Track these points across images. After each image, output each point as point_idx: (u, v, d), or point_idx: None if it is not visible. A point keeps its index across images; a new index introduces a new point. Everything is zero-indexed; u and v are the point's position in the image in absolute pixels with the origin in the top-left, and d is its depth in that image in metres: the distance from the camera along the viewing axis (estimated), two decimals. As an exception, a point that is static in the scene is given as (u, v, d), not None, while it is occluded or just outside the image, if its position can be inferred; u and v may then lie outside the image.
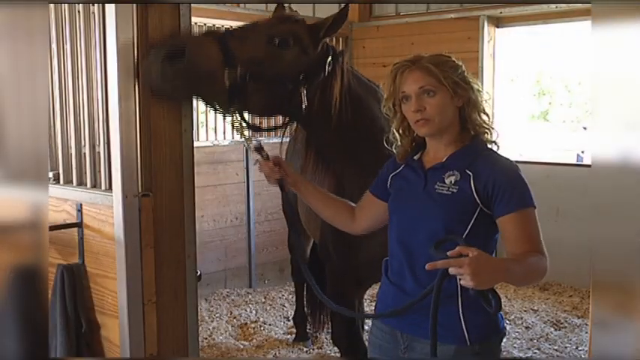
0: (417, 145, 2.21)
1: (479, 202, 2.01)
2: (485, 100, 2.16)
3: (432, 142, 2.15)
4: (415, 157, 2.19)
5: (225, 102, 2.47)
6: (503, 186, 1.99)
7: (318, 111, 2.66)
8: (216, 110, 2.58)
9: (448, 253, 1.80)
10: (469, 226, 2.02)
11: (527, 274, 1.96)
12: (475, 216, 2.02)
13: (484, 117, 2.13)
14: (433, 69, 2.04)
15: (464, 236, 2.00)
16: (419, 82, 2.05)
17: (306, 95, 2.60)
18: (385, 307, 2.21)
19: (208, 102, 2.51)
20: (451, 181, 2.05)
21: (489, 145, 2.14)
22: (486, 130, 2.13)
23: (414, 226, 2.10)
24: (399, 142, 2.24)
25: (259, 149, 2.47)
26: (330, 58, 2.67)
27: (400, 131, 2.21)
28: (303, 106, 2.61)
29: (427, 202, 2.08)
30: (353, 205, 2.44)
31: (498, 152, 2.14)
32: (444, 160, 2.10)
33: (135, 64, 2.28)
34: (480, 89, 2.14)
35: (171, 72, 2.26)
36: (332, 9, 7.90)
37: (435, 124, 2.06)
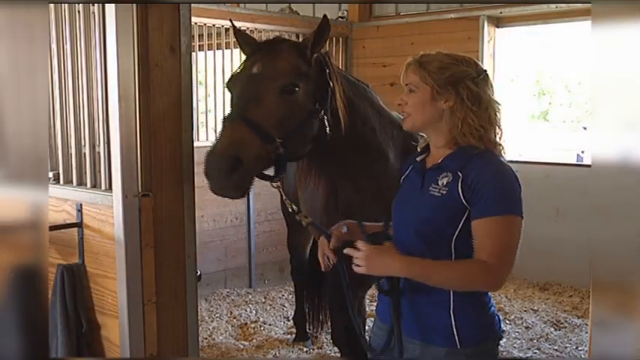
0: (427, 145, 2.22)
1: (465, 203, 1.99)
2: (496, 110, 2.08)
3: (431, 143, 2.17)
4: (418, 159, 2.20)
5: (277, 170, 2.53)
6: (485, 188, 1.96)
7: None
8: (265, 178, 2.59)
9: (345, 251, 2.09)
10: (458, 228, 2.01)
11: (448, 279, 1.99)
12: (464, 218, 2.00)
13: (469, 122, 2.03)
14: (416, 67, 2.08)
15: (453, 238, 2.01)
16: (407, 78, 2.11)
17: (326, 116, 2.64)
18: (383, 305, 2.21)
19: (262, 178, 2.57)
20: (443, 183, 2.04)
21: (494, 152, 2.08)
22: (470, 138, 2.04)
23: (408, 228, 2.11)
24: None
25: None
26: (327, 71, 2.67)
27: None
28: (328, 130, 2.64)
29: (421, 203, 2.08)
30: None
31: (495, 154, 2.07)
32: (439, 161, 2.11)
33: (136, 65, 2.28)
34: (492, 100, 2.08)
35: (235, 181, 2.38)
36: (332, 9, 7.90)
37: (411, 119, 2.10)
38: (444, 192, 2.03)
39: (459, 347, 2.02)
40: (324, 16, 2.63)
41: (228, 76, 6.17)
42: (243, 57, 2.78)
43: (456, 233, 2.01)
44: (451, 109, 2.05)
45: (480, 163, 2.03)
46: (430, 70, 2.05)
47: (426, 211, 2.05)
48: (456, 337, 2.02)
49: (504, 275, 1.97)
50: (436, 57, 2.10)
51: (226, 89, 2.67)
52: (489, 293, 2.13)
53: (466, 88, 2.04)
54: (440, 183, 2.05)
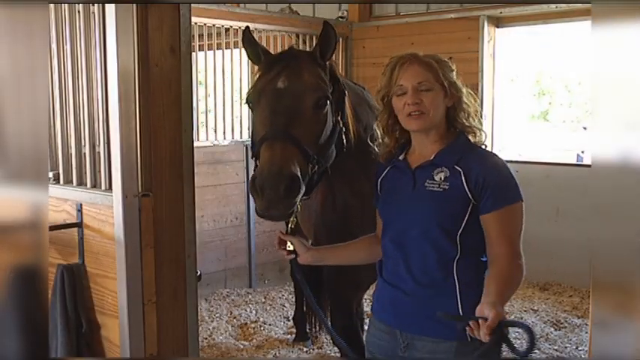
0: (401, 145, 2.22)
1: (471, 198, 2.03)
2: (478, 105, 2.20)
3: (418, 140, 2.16)
4: (400, 158, 2.21)
5: (309, 187, 2.45)
6: (492, 183, 2.02)
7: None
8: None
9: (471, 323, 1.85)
10: (463, 223, 2.04)
11: (513, 290, 2.02)
12: (468, 212, 2.03)
13: (471, 120, 2.16)
14: (434, 65, 2.08)
15: (459, 233, 2.04)
16: (418, 76, 2.08)
17: (344, 128, 2.62)
18: (382, 306, 2.22)
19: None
20: (441, 178, 2.07)
21: (482, 147, 2.17)
22: (472, 132, 2.16)
23: (408, 226, 2.11)
24: (381, 141, 2.26)
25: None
26: (340, 80, 2.64)
27: (385, 129, 2.23)
28: (345, 142, 2.63)
29: (418, 200, 2.09)
30: (371, 235, 2.42)
31: (482, 148, 2.17)
32: (431, 157, 2.12)
33: (136, 65, 2.28)
34: (471, 93, 2.18)
35: (291, 201, 2.27)
36: (332, 9, 7.90)
37: (429, 118, 2.08)
38: (446, 186, 2.05)
39: (469, 340, 2.02)
40: (325, 23, 2.55)
41: (228, 77, 6.16)
42: (254, 67, 2.70)
43: (461, 227, 2.03)
44: (456, 106, 2.13)
45: (477, 157, 2.10)
46: (444, 68, 2.10)
47: (426, 207, 2.06)
48: (466, 329, 2.02)
49: (522, 258, 2.04)
50: (440, 57, 2.16)
51: (247, 103, 2.57)
52: None
53: (465, 87, 2.16)
54: (437, 178, 2.07)
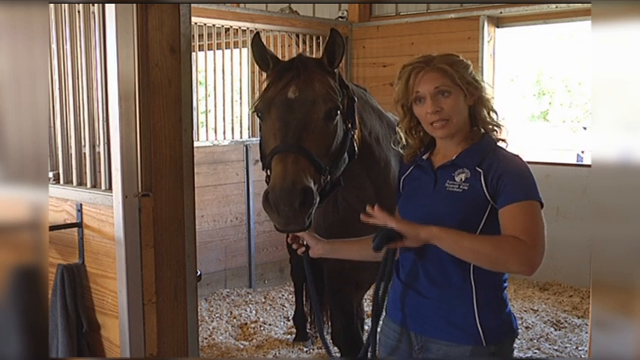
0: (426, 145, 2.22)
1: (489, 198, 2.01)
2: (493, 97, 2.19)
3: (443, 142, 2.16)
4: (424, 157, 2.20)
5: (322, 197, 2.44)
6: (509, 178, 2.00)
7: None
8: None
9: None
10: (482, 223, 2.02)
11: (478, 247, 1.94)
12: (487, 212, 2.02)
13: (492, 115, 2.15)
14: (449, 69, 2.06)
15: (477, 232, 2.02)
16: (435, 82, 2.06)
17: (352, 128, 2.60)
18: (397, 306, 2.20)
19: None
20: (461, 179, 2.06)
21: (498, 143, 2.15)
22: (495, 128, 2.14)
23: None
24: (405, 143, 2.25)
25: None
26: (349, 86, 2.63)
27: (407, 132, 2.22)
28: (356, 149, 2.61)
29: (438, 200, 2.08)
30: None
31: (507, 150, 2.14)
32: (453, 158, 2.11)
33: (136, 65, 2.28)
34: (487, 87, 2.16)
35: (306, 215, 2.27)
36: (332, 9, 7.89)
37: (452, 124, 2.07)
38: (465, 187, 2.04)
39: (484, 345, 2.02)
40: (332, 30, 2.52)
41: (228, 77, 6.16)
42: (254, 67, 2.71)
43: (479, 228, 2.02)
44: (477, 104, 2.11)
45: (497, 157, 2.07)
46: (459, 69, 2.08)
47: (445, 207, 2.06)
48: (481, 334, 2.02)
49: (539, 255, 1.92)
50: (454, 57, 2.13)
51: (256, 112, 2.55)
52: (506, 292, 2.14)
53: (482, 81, 2.14)
54: (458, 179, 2.06)
